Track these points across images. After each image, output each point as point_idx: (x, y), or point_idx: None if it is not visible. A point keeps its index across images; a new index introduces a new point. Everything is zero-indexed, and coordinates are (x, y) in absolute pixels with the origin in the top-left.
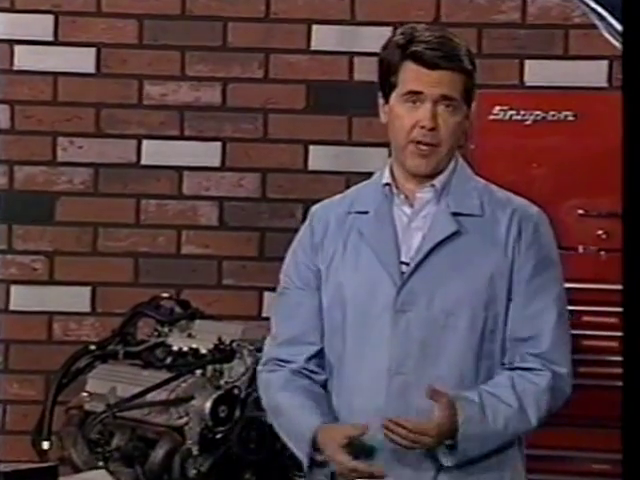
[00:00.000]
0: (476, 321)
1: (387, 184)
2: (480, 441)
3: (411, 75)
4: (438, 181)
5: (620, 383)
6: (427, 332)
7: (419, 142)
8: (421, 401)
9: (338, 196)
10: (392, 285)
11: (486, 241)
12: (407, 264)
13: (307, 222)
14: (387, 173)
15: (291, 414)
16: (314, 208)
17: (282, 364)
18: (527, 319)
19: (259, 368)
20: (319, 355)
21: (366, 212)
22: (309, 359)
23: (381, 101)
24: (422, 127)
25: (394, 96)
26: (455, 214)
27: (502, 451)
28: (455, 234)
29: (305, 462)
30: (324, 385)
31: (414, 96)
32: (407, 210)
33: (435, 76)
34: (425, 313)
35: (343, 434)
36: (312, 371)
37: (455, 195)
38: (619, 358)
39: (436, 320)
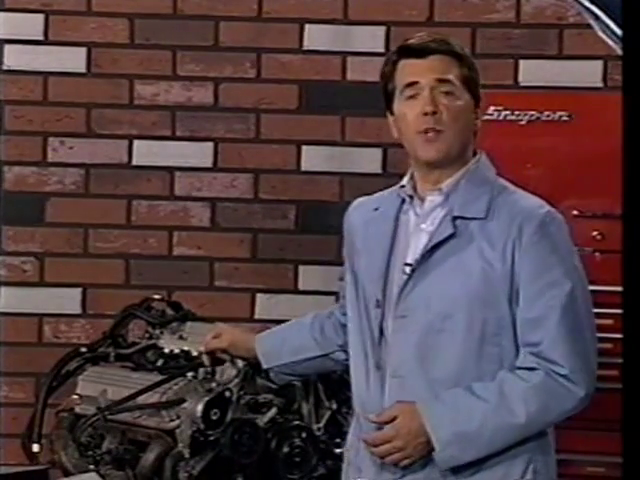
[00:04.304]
0: (473, 323)
1: (403, 186)
2: (460, 443)
3: (405, 70)
4: (446, 184)
5: (615, 385)
6: (423, 336)
7: (425, 131)
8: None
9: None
10: (378, 288)
11: (484, 244)
12: (410, 265)
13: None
14: (407, 176)
15: None
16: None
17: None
18: (531, 322)
19: None
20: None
21: (378, 209)
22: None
23: (389, 117)
24: (425, 114)
25: (396, 101)
26: (457, 217)
27: (510, 448)
28: (452, 237)
29: None
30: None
31: (412, 89)
32: (419, 211)
33: (427, 63)
34: (422, 317)
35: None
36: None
37: (462, 199)
38: (614, 360)
39: (432, 324)
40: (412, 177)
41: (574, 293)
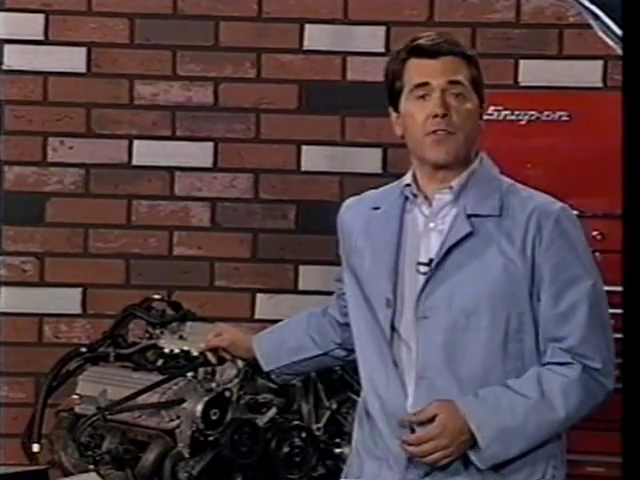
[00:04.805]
0: (497, 320)
1: (407, 185)
2: (503, 440)
3: (415, 69)
4: (456, 183)
5: (615, 385)
6: (448, 335)
7: (434, 132)
8: None
9: (379, 189)
10: (388, 287)
11: (503, 241)
12: (425, 264)
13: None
14: (409, 175)
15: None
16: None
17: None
18: (557, 318)
19: None
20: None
21: (378, 208)
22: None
23: (393, 114)
24: (435, 116)
25: (403, 99)
26: (472, 215)
27: (536, 448)
28: (470, 236)
29: None
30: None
31: (422, 90)
32: (426, 210)
33: (438, 64)
34: (445, 316)
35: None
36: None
37: (474, 197)
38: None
39: (457, 322)
40: (414, 176)
41: (596, 288)
